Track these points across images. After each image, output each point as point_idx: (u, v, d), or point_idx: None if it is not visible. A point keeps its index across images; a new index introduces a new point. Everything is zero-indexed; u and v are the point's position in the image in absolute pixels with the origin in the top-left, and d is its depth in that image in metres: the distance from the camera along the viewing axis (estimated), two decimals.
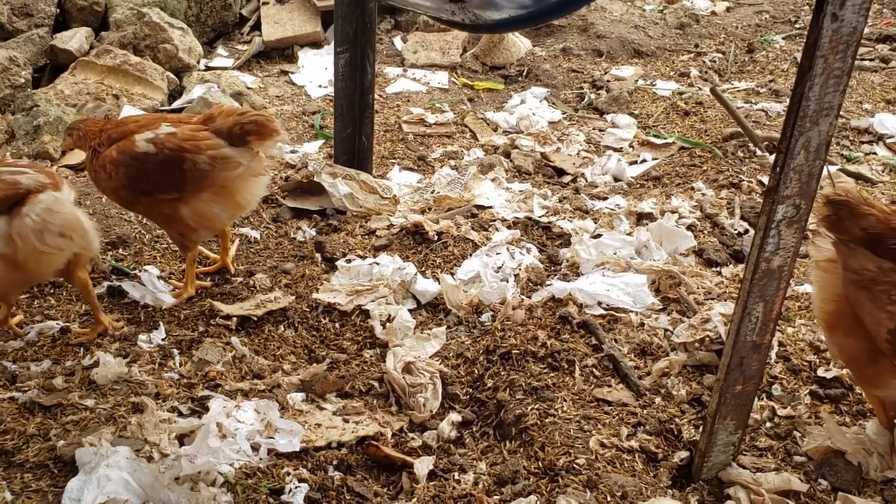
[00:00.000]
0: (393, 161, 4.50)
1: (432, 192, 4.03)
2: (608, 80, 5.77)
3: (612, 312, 3.00)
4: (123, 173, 2.86)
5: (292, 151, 4.39)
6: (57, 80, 4.86)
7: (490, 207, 3.76)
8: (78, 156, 4.21)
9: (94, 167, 2.95)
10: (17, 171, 2.59)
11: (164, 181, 2.87)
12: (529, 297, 3.09)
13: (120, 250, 3.45)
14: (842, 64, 1.75)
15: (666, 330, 2.96)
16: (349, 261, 3.32)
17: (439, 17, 2.32)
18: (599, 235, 3.48)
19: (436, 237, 3.46)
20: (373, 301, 3.05)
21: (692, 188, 4.10)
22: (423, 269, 3.29)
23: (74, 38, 5.14)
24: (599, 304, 3.04)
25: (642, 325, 2.98)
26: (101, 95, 4.61)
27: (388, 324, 2.93)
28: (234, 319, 2.90)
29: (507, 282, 3.16)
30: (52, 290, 3.15)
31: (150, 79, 4.79)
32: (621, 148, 4.81)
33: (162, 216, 3.00)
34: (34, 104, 4.31)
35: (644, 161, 4.61)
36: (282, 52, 5.91)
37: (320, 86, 5.47)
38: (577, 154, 4.66)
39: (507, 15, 2.17)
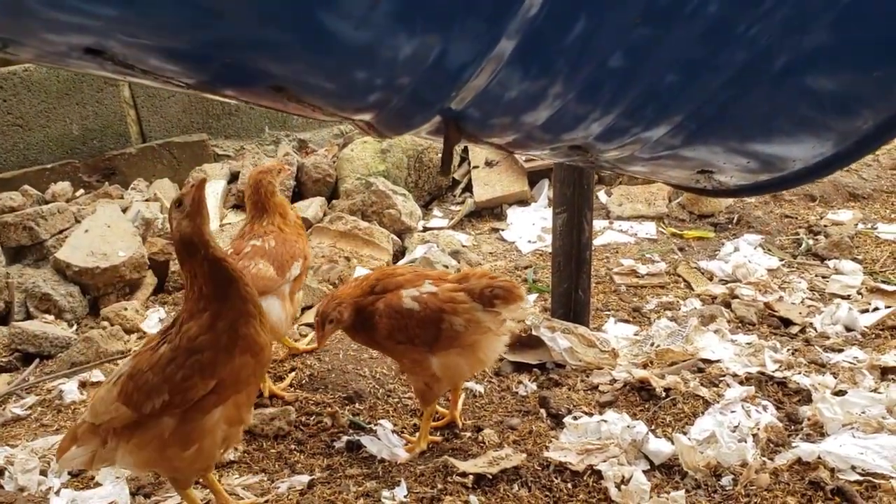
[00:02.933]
0: (607, 313, 4.53)
1: (652, 345, 3.99)
2: (825, 225, 5.56)
3: (868, 478, 2.77)
4: (385, 324, 3.05)
5: None
6: None
7: (718, 361, 3.65)
8: None
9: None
10: None
11: (420, 335, 3.05)
12: (772, 460, 2.93)
13: (356, 405, 3.67)
14: None
15: None
16: (576, 418, 3.31)
17: (686, 187, 2.40)
18: (843, 392, 3.27)
19: (663, 393, 3.40)
20: (604, 461, 3.01)
21: None
22: (652, 427, 3.22)
23: (311, 207, 5.73)
24: (853, 468, 2.82)
25: None
26: (335, 258, 5.05)
27: (622, 486, 2.87)
28: (471, 477, 2.96)
29: (746, 442, 3.01)
30: (299, 448, 3.37)
31: (377, 241, 5.22)
32: (849, 295, 4.56)
33: (413, 363, 3.14)
34: None
35: (877, 309, 4.33)
36: (491, 211, 6.24)
37: (529, 241, 5.68)
38: (802, 302, 4.47)
39: (747, 182, 2.21)
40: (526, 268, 5.22)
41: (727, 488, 2.85)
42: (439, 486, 2.94)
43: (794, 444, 3.00)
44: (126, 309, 4.76)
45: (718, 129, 1.95)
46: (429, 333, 3.02)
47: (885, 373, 3.48)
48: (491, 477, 2.97)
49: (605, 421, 3.22)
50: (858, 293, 4.58)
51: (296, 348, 4.05)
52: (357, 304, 3.09)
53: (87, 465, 2.62)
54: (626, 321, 4.41)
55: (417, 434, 3.31)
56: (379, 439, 3.37)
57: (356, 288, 3.14)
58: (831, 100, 1.87)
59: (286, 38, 1.41)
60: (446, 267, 5.02)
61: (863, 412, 3.12)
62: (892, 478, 2.75)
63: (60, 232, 5.32)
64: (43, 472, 3.23)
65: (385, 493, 2.92)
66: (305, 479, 3.11)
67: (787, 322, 4.24)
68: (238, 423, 2.63)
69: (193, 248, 2.47)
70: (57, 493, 3.09)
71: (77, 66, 1.49)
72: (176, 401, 2.43)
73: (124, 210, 5.61)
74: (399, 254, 5.44)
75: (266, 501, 2.97)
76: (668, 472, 3.01)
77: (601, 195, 6.33)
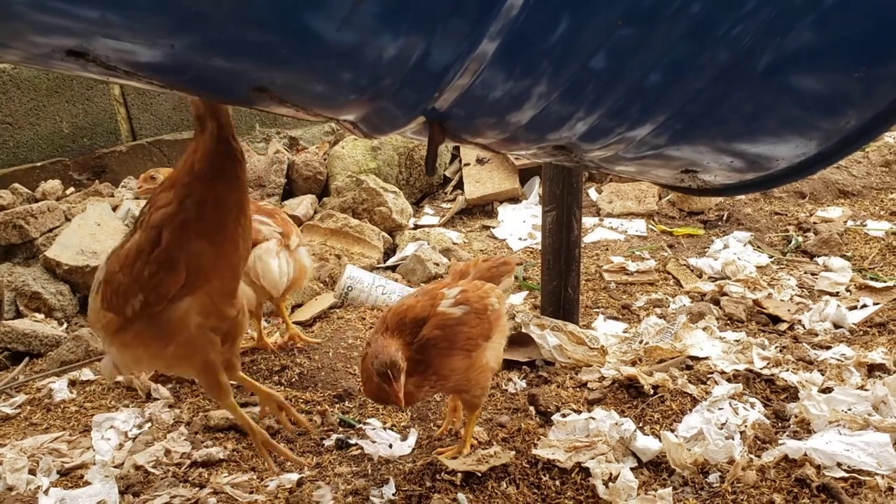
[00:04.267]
0: (597, 310, 4.54)
1: (641, 343, 4.00)
2: (814, 222, 5.59)
3: (854, 475, 2.79)
4: (447, 347, 2.84)
5: None
6: None
7: (706, 359, 3.67)
8: (306, 312, 4.59)
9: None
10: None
11: (481, 333, 2.92)
12: (759, 457, 2.94)
13: (346, 403, 3.67)
14: None
15: None
16: (564, 415, 3.32)
17: (671, 186, 2.41)
18: (829, 389, 3.29)
19: (651, 391, 3.41)
20: (592, 458, 3.02)
21: None
22: (640, 424, 3.23)
23: (301, 205, 5.73)
24: (839, 465, 2.84)
25: (891, 489, 2.74)
26: (325, 255, 5.05)
27: (610, 483, 2.88)
28: (459, 475, 2.97)
29: (733, 439, 3.03)
30: (288, 446, 3.37)
31: (367, 239, 5.21)
32: (837, 292, 4.59)
33: (479, 371, 2.95)
34: None
35: (865, 306, 4.36)
36: (482, 209, 6.24)
37: (520, 238, 5.69)
38: (791, 300, 4.49)
39: (732, 181, 2.22)
40: (517, 265, 5.22)
41: (714, 485, 2.86)
42: (428, 483, 2.95)
43: (780, 442, 3.01)
44: None
45: (703, 128, 1.95)
46: (484, 325, 2.93)
47: (871, 370, 3.50)
48: (479, 475, 2.98)
49: (594, 418, 3.23)
50: (847, 290, 4.61)
51: (265, 343, 4.08)
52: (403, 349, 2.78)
53: (115, 370, 2.51)
54: (616, 318, 4.43)
55: (463, 437, 3.21)
56: (368, 437, 3.37)
57: (393, 337, 2.77)
58: (815, 99, 1.87)
59: (270, 39, 1.41)
60: (437, 265, 5.02)
61: (849, 409, 3.14)
62: (878, 475, 2.77)
63: (50, 230, 5.30)
64: (32, 472, 3.22)
65: (374, 490, 2.93)
66: (294, 477, 3.11)
67: (775, 319, 4.27)
68: (217, 315, 2.34)
69: (205, 123, 2.10)
70: (46, 492, 3.09)
71: (61, 68, 1.49)
72: (152, 299, 2.19)
73: (114, 208, 5.59)
74: (390, 251, 5.44)
75: (255, 501, 2.98)
76: (655, 469, 3.02)
77: (591, 192, 6.35)
